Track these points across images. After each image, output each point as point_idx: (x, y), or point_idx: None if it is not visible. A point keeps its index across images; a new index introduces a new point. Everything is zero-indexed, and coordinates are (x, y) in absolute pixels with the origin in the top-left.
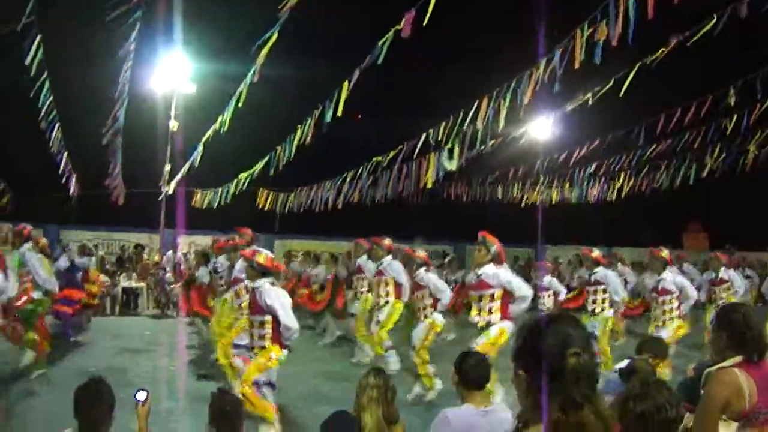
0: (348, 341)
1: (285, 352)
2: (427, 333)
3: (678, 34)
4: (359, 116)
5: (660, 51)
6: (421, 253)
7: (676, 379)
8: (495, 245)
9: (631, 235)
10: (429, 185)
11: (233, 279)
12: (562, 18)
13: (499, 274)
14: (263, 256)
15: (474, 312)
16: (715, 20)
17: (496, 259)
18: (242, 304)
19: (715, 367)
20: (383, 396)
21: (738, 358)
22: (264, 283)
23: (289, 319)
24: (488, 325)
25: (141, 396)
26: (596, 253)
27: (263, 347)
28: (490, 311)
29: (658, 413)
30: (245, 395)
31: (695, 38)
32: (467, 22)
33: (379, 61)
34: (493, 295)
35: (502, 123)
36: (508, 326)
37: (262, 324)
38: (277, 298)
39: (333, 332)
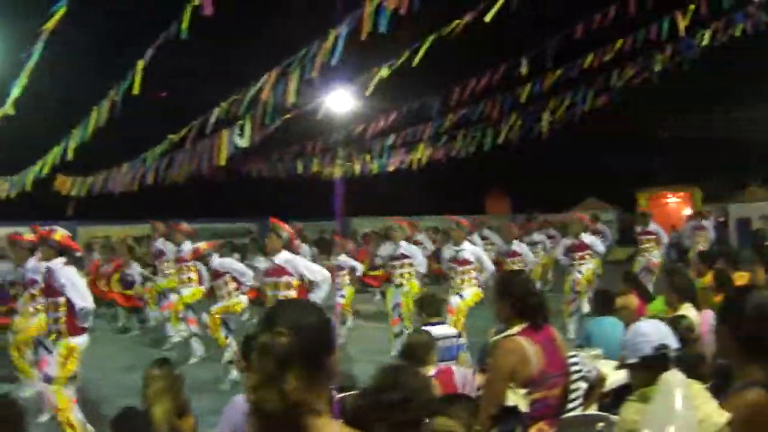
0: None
1: (85, 336)
2: (228, 305)
3: (471, 8)
4: (163, 95)
5: (455, 23)
6: (202, 244)
7: (481, 341)
8: (286, 231)
9: (434, 204)
10: (222, 163)
11: (27, 280)
12: None
13: (293, 262)
14: (59, 233)
15: (270, 301)
16: None
17: (289, 245)
18: (37, 308)
19: (499, 336)
20: (170, 387)
21: (522, 325)
22: (59, 263)
23: (82, 298)
24: None
25: None
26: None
27: (59, 332)
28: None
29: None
30: (60, 405)
31: (490, 12)
32: None
33: (183, 36)
34: (289, 283)
35: (292, 97)
36: None
37: (56, 306)
38: (70, 277)
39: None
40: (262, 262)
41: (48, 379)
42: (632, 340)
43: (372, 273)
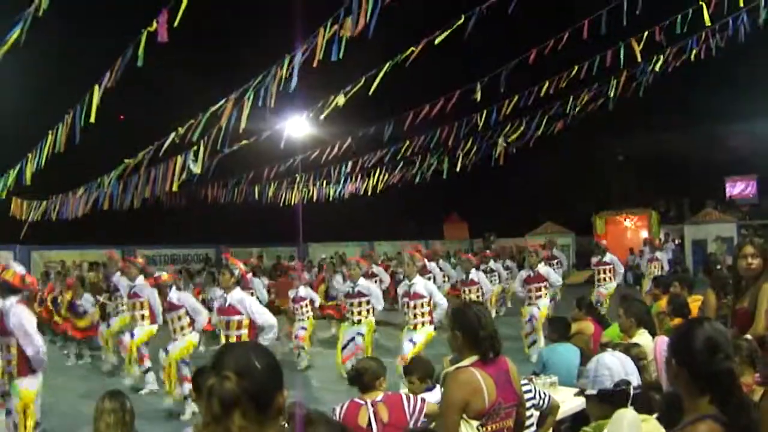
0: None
1: (38, 377)
2: (184, 346)
3: (427, 33)
4: (121, 117)
5: (410, 50)
6: (164, 275)
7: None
8: (238, 268)
9: (391, 230)
10: (175, 189)
11: None
12: (311, 14)
13: (245, 303)
14: (11, 272)
15: (223, 338)
16: (462, 20)
17: (241, 282)
18: None
19: (452, 368)
20: (121, 420)
21: (474, 357)
22: (12, 302)
23: (33, 343)
24: None
25: None
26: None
27: (11, 374)
28: (238, 338)
29: None
30: None
31: (442, 37)
32: (218, 20)
33: (139, 64)
34: (240, 323)
35: (244, 122)
36: None
37: (8, 347)
38: (21, 318)
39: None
40: (218, 293)
41: (15, 426)
42: (595, 371)
43: (329, 303)
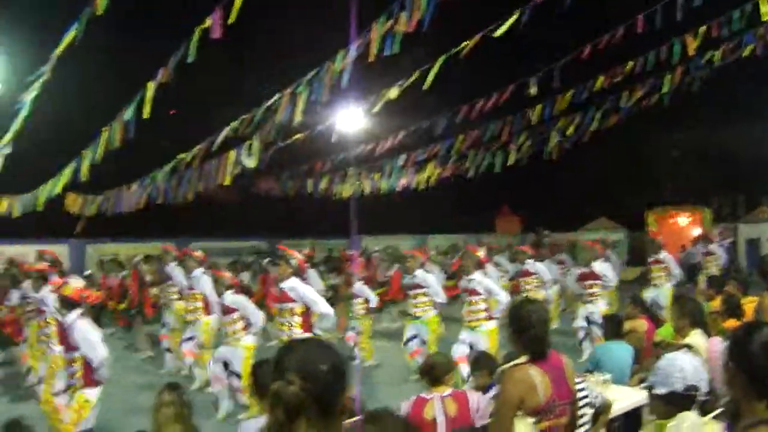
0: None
1: (99, 388)
2: (246, 358)
3: (481, 27)
4: (172, 112)
5: (464, 44)
6: (227, 273)
7: None
8: (294, 258)
9: (444, 223)
10: (227, 182)
11: (38, 309)
12: (365, 9)
13: (297, 289)
14: (70, 288)
15: (278, 325)
16: (517, 14)
17: (298, 271)
18: (50, 333)
19: (507, 365)
20: (180, 413)
21: (528, 355)
22: (74, 318)
23: (96, 352)
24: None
25: None
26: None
27: (74, 386)
28: (291, 325)
29: None
30: None
31: (499, 31)
32: (271, 17)
33: (189, 60)
34: (293, 310)
35: (299, 117)
36: None
37: (72, 361)
38: (84, 333)
39: (145, 345)
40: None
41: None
42: (666, 370)
43: (379, 291)
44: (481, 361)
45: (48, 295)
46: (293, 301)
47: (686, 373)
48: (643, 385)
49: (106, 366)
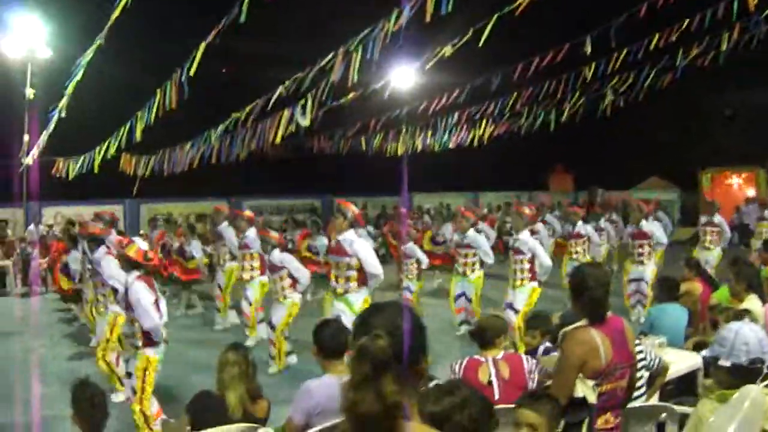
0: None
1: (160, 347)
2: (287, 315)
3: None
4: (224, 70)
5: (517, 2)
6: (274, 234)
7: None
8: (350, 210)
9: (497, 181)
10: (278, 141)
11: (93, 271)
12: None
13: (354, 245)
14: (135, 247)
15: (333, 277)
16: None
17: (355, 224)
18: (106, 293)
19: (570, 327)
20: (244, 372)
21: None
22: (132, 280)
23: (149, 316)
24: (346, 292)
25: None
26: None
27: (135, 345)
28: (347, 279)
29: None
30: (143, 418)
31: None
32: None
33: (242, 19)
34: (349, 264)
35: (354, 76)
36: (366, 294)
37: (132, 321)
38: (138, 294)
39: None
40: (323, 241)
41: (133, 390)
42: (731, 342)
43: (436, 250)
44: (535, 321)
45: (102, 257)
46: (349, 255)
47: (750, 346)
48: (705, 353)
49: (157, 330)
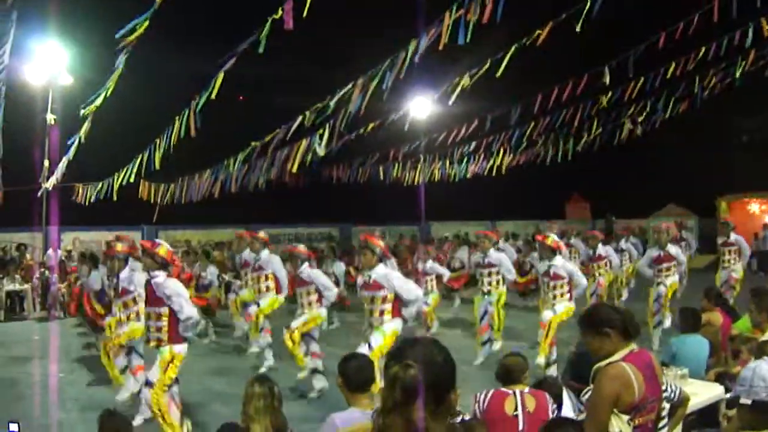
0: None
1: (185, 345)
2: (307, 321)
3: (554, 17)
4: (241, 98)
5: (536, 33)
6: (302, 248)
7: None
8: (378, 246)
9: (514, 209)
10: (294, 170)
11: (121, 290)
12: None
13: (389, 277)
14: (164, 248)
15: (367, 313)
16: (589, 4)
17: (384, 258)
18: (130, 315)
19: (604, 363)
20: (270, 405)
21: (625, 351)
22: (161, 275)
23: (188, 308)
24: (381, 325)
25: (14, 428)
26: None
27: (159, 339)
28: (382, 313)
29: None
30: (159, 408)
31: (579, 20)
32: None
33: (261, 50)
34: (385, 297)
35: (369, 105)
36: (398, 326)
37: (159, 316)
38: (176, 287)
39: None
40: (341, 267)
41: (149, 384)
42: (750, 381)
43: (452, 275)
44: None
45: (135, 273)
46: (383, 288)
47: None
48: (729, 395)
49: (194, 321)
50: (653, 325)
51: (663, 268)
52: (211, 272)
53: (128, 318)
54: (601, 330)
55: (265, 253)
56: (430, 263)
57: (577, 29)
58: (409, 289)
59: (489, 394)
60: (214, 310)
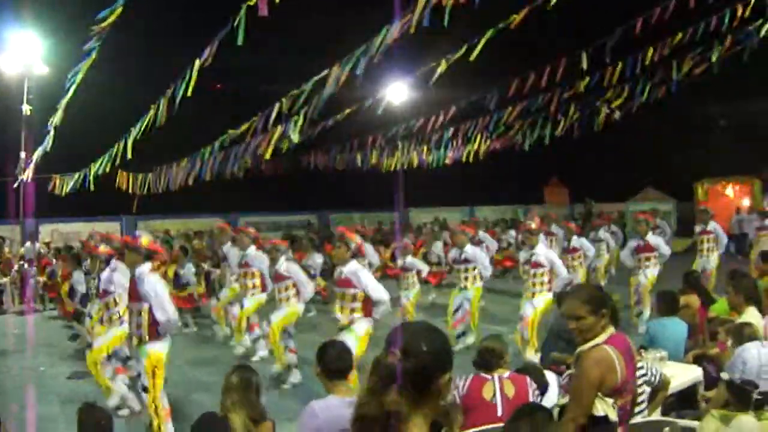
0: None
1: (166, 341)
2: (286, 315)
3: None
4: (218, 86)
5: (512, 17)
6: (280, 240)
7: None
8: (354, 241)
9: (493, 195)
10: (267, 157)
11: (101, 291)
12: None
13: (358, 274)
14: (147, 239)
15: (337, 309)
16: None
17: (357, 254)
18: (112, 317)
19: (587, 346)
20: (249, 395)
21: (608, 334)
22: (146, 270)
23: (166, 309)
24: (350, 323)
25: None
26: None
27: (140, 337)
28: (352, 311)
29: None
30: (155, 406)
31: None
32: None
33: (239, 42)
34: (355, 295)
35: (335, 89)
36: (370, 325)
37: (139, 312)
38: (155, 286)
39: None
40: (318, 259)
41: (145, 389)
42: (734, 359)
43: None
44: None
45: (115, 273)
46: (354, 286)
47: (748, 367)
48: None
49: (171, 324)
50: (635, 314)
51: (643, 258)
52: (189, 269)
53: (110, 319)
54: (601, 310)
55: (251, 250)
56: (409, 258)
57: (549, 11)
58: (377, 289)
59: (468, 380)
60: (194, 305)
